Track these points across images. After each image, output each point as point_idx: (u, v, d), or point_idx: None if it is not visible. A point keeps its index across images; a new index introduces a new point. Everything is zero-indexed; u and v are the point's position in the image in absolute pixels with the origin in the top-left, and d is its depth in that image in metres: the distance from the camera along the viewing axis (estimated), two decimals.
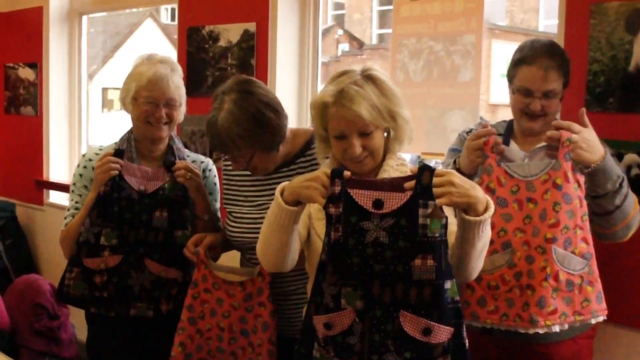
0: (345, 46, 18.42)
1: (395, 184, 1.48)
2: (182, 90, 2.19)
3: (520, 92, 1.90)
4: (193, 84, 3.34)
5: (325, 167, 1.76)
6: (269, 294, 1.95)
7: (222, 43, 3.24)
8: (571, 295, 1.76)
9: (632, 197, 1.87)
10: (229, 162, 2.11)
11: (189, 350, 2.01)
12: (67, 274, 2.10)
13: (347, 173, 1.50)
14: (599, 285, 1.79)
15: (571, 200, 1.75)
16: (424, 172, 1.44)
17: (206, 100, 3.40)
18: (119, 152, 2.10)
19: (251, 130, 1.88)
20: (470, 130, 2.06)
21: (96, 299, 2.08)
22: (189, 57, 3.37)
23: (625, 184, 1.83)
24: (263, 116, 1.89)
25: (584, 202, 1.77)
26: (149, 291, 2.09)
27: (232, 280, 1.99)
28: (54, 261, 2.34)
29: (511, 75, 1.94)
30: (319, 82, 3.21)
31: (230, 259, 2.21)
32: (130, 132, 2.22)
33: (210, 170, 2.29)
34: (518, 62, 1.91)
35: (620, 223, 1.84)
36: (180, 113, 2.19)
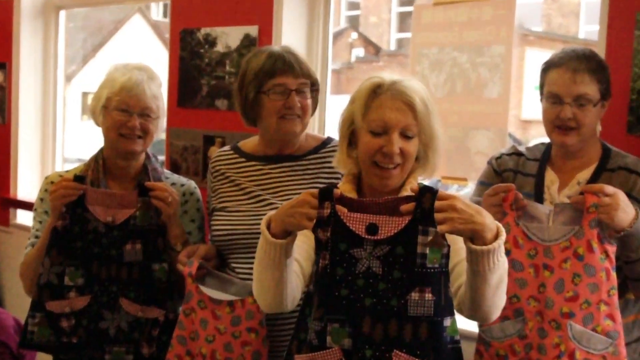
0: (359, 51, 18.53)
1: (392, 207, 1.48)
2: (161, 102, 2.21)
3: (550, 100, 1.92)
4: (185, 94, 3.38)
5: (342, 185, 1.78)
6: (261, 319, 1.93)
7: (219, 48, 3.27)
8: None
9: None
10: (222, 160, 2.16)
11: None
12: (29, 320, 2.08)
13: (336, 191, 1.51)
14: None
15: (595, 272, 1.77)
16: (425, 194, 1.45)
17: (200, 113, 3.46)
18: (78, 178, 2.09)
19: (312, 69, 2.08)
20: (500, 157, 2.09)
21: (64, 345, 2.08)
22: (182, 63, 3.41)
23: None
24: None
25: (613, 275, 1.79)
26: (127, 333, 2.09)
27: (220, 298, 1.99)
28: (20, 292, 2.34)
29: (541, 84, 1.98)
30: (327, 91, 3.24)
31: None
32: (101, 150, 2.24)
33: (192, 194, 2.29)
34: (547, 68, 1.95)
35: None
36: (157, 127, 2.20)
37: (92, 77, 2.30)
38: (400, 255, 1.45)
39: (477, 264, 1.44)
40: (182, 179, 2.32)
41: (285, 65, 2.01)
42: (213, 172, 2.20)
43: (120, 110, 2.13)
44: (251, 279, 2.00)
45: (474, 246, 1.44)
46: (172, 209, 2.10)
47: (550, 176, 1.97)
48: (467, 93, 2.66)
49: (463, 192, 5.13)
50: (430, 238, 1.44)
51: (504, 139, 2.61)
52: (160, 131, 2.23)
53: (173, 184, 2.25)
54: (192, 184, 2.32)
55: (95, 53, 17.16)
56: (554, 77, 1.91)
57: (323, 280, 1.49)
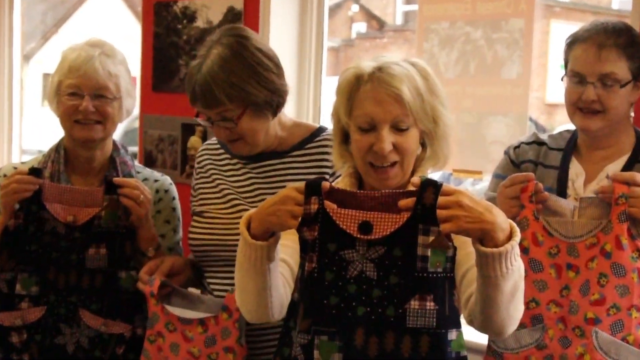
0: (361, 26, 18.50)
1: (390, 202, 1.48)
2: (123, 81, 2.20)
3: (572, 79, 1.94)
4: (161, 76, 3.39)
5: (342, 180, 1.78)
6: (238, 336, 1.93)
7: (199, 23, 3.29)
8: None
9: None
10: (207, 155, 2.16)
11: None
12: None
13: (325, 184, 1.51)
14: None
15: (624, 272, 1.77)
16: (427, 188, 1.44)
17: (177, 97, 3.45)
18: (34, 170, 2.08)
19: (245, 80, 1.93)
20: (519, 146, 2.10)
21: None
22: (157, 40, 3.42)
23: None
24: (260, 64, 1.95)
25: None
26: (87, 351, 2.08)
27: (190, 317, 1.98)
28: None
29: (565, 61, 1.99)
30: (323, 73, 3.26)
31: None
32: (62, 139, 2.24)
33: (167, 191, 2.29)
34: (572, 43, 1.96)
35: None
36: (119, 110, 2.20)
37: (55, 57, 2.30)
38: (397, 258, 1.45)
39: (488, 268, 1.43)
40: (156, 174, 2.32)
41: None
42: (197, 167, 2.20)
43: (70, 95, 2.13)
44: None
45: (483, 248, 1.43)
46: (144, 209, 2.09)
47: (576, 168, 1.98)
48: (481, 74, 2.67)
49: (478, 186, 5.15)
50: (432, 238, 1.43)
51: (524, 126, 2.63)
52: (125, 114, 2.23)
53: (145, 179, 2.25)
54: (167, 179, 2.32)
55: (58, 29, 17.10)
56: (577, 54, 1.92)
57: (309, 286, 1.49)
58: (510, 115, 2.63)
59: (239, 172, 2.10)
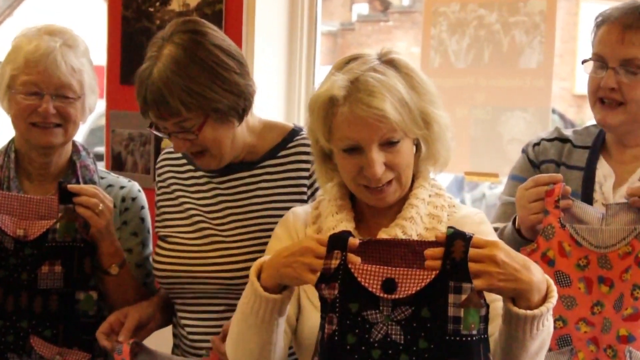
0: (363, 8, 18.53)
1: (420, 250, 1.48)
2: (86, 76, 2.17)
3: (595, 63, 1.94)
4: (131, 67, 3.34)
5: (325, 198, 1.79)
6: None
7: (174, 6, 3.29)
8: None
9: None
10: (168, 164, 2.14)
11: None
12: None
13: (353, 241, 1.50)
14: None
15: None
16: (455, 241, 1.45)
17: None
18: None
19: (204, 84, 1.89)
20: (539, 143, 2.09)
21: None
22: (125, 25, 3.41)
23: None
24: (220, 64, 1.92)
25: None
26: None
27: None
28: None
29: (592, 45, 1.99)
30: (316, 63, 3.26)
31: None
32: (12, 141, 2.22)
33: (135, 199, 2.28)
34: (599, 24, 1.96)
35: None
36: (82, 111, 2.17)
37: (7, 43, 2.27)
38: (426, 320, 1.45)
39: (517, 329, 1.47)
40: (122, 180, 2.30)
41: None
42: (158, 181, 2.18)
43: (27, 94, 2.11)
44: (200, 335, 1.98)
45: (515, 309, 1.46)
46: (103, 220, 2.06)
47: (604, 169, 1.98)
48: (497, 63, 2.68)
49: (496, 190, 5.15)
50: (464, 297, 1.43)
51: (546, 122, 2.64)
52: (87, 113, 2.20)
53: (110, 185, 2.24)
54: (135, 186, 2.31)
55: (13, 11, 17.12)
56: (601, 35, 1.93)
57: (330, 351, 1.49)
58: (530, 110, 2.64)
59: (205, 188, 2.08)
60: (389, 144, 1.66)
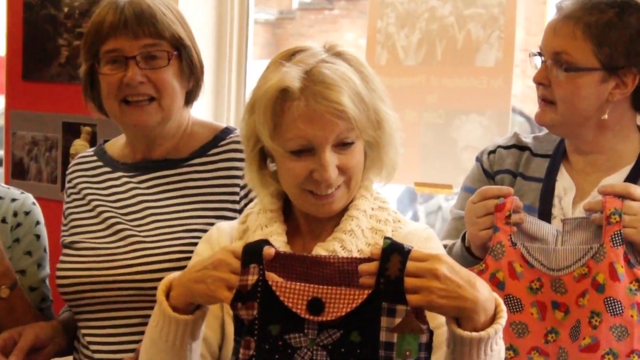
0: None
1: (349, 270, 1.49)
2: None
3: (537, 58, 2.01)
4: (34, 60, 3.38)
5: (254, 210, 1.80)
6: None
7: None
8: None
9: None
10: (80, 170, 2.19)
11: None
12: None
13: (268, 251, 1.51)
14: None
15: (621, 310, 1.80)
16: (392, 255, 1.45)
17: (57, 88, 3.40)
18: None
19: (182, 22, 2.11)
20: (495, 151, 2.13)
21: None
22: (28, 12, 3.40)
23: None
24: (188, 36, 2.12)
25: None
26: None
27: None
28: None
29: None
30: (249, 54, 3.28)
31: None
32: None
33: (28, 213, 2.28)
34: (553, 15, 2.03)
35: None
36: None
37: None
38: (356, 345, 1.46)
39: (462, 354, 1.48)
40: (14, 192, 2.30)
41: (119, 20, 2.02)
42: (68, 187, 2.20)
43: None
44: (109, 354, 2.00)
45: (459, 331, 1.46)
46: None
47: (564, 181, 2.02)
48: (451, 60, 2.70)
49: (452, 202, 5.18)
50: (399, 319, 1.44)
51: (505, 127, 2.65)
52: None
53: (0, 198, 2.24)
54: (29, 198, 2.30)
55: None
56: (546, 26, 2.00)
57: None
58: (487, 114, 2.66)
59: (123, 189, 2.11)
60: (342, 145, 1.67)
